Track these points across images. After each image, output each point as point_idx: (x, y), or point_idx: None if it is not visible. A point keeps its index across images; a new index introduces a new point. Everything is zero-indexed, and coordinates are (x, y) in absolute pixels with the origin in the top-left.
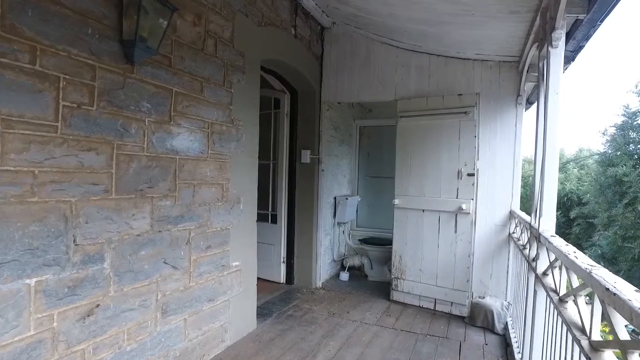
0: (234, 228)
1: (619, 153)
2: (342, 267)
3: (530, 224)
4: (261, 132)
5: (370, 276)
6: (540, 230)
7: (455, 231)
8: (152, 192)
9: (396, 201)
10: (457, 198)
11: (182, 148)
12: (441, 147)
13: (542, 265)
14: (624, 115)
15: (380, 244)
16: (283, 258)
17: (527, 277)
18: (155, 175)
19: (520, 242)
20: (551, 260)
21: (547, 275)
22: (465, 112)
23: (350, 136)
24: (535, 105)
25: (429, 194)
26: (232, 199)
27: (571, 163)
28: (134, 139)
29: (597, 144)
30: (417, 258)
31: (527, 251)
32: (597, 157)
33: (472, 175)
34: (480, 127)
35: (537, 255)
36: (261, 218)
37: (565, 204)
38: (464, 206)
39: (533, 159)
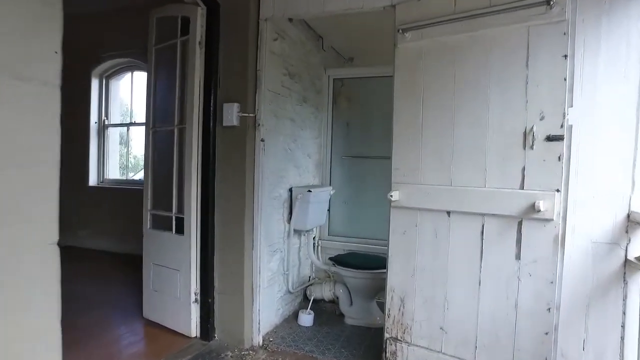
0: None
1: None
2: (305, 300)
3: None
4: (161, 78)
5: (348, 317)
6: None
7: (519, 256)
8: None
9: (394, 195)
10: (521, 188)
11: None
12: (487, 85)
13: None
14: None
15: (365, 265)
16: (195, 294)
17: None
18: None
19: None
20: None
21: None
22: (546, 3)
23: (318, 94)
24: None
25: (460, 181)
26: None
27: None
28: None
29: None
30: (435, 304)
31: None
32: None
33: (559, 139)
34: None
35: None
36: (160, 224)
37: None
38: (540, 205)
39: None
